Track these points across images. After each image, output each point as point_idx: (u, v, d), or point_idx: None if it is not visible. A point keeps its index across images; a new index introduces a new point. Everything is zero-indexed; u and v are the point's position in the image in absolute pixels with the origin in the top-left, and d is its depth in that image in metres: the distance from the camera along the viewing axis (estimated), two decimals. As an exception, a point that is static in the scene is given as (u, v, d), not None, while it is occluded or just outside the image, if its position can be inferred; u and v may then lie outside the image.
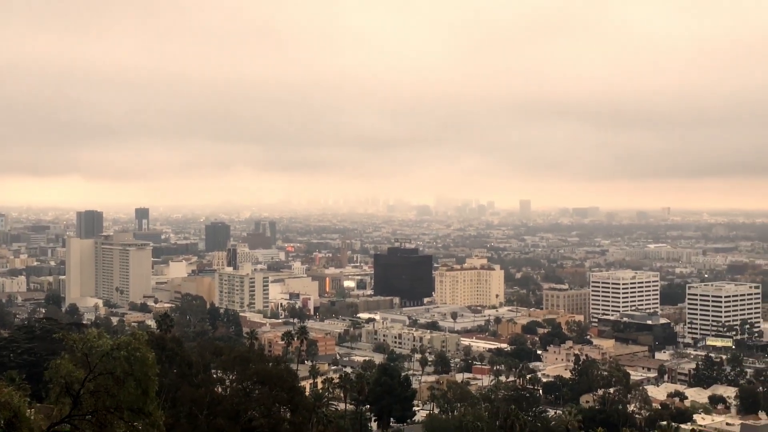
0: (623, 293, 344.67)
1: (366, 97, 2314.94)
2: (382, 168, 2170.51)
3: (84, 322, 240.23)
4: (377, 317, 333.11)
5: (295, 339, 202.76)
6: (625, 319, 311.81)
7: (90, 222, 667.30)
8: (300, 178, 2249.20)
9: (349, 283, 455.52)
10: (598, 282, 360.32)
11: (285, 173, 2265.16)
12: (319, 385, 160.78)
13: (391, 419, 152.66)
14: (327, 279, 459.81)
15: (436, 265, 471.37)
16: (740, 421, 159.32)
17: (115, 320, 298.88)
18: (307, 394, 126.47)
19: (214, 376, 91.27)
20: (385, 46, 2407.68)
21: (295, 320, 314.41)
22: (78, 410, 33.66)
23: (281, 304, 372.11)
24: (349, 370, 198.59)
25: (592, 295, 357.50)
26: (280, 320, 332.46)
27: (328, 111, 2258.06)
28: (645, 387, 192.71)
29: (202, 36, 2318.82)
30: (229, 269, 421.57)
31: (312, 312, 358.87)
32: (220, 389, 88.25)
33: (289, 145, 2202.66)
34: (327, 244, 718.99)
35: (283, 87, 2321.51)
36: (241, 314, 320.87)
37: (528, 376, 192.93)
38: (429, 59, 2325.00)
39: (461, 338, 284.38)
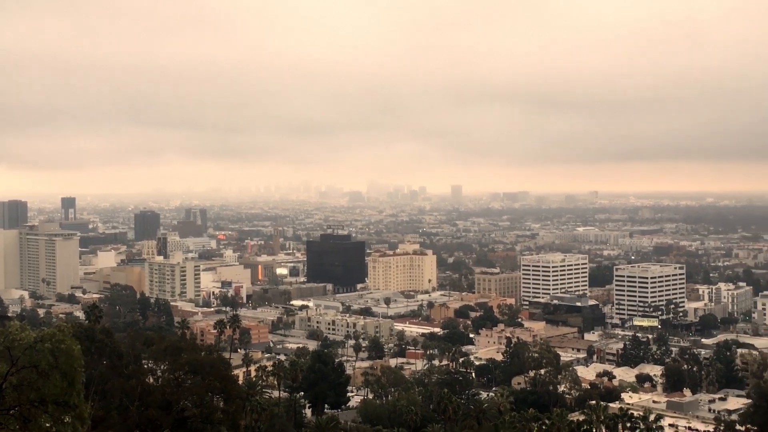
0: (553, 276, 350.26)
1: (299, 81, 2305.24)
2: (314, 154, 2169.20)
3: (9, 315, 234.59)
4: (310, 304, 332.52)
5: (228, 327, 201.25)
6: (555, 301, 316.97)
7: (14, 212, 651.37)
8: (231, 165, 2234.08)
9: (281, 271, 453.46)
10: (529, 265, 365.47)
11: (216, 160, 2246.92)
12: (253, 374, 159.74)
13: (326, 405, 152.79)
14: (259, 267, 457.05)
15: (368, 251, 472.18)
16: (666, 399, 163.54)
17: (42, 312, 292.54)
18: (240, 382, 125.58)
19: (146, 366, 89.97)
20: (319, 29, 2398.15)
21: (228, 309, 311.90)
22: (1, 405, 32.81)
23: (213, 292, 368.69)
24: (282, 357, 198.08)
25: (523, 278, 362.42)
26: (212, 309, 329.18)
27: (259, 95, 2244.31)
28: (575, 367, 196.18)
29: (130, 17, 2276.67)
30: (160, 258, 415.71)
31: (244, 300, 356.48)
32: (151, 380, 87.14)
33: (219, 131, 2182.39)
34: (259, 232, 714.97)
35: (214, 71, 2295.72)
36: (172, 303, 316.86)
37: (461, 360, 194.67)
38: (363, 42, 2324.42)
39: (394, 323, 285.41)
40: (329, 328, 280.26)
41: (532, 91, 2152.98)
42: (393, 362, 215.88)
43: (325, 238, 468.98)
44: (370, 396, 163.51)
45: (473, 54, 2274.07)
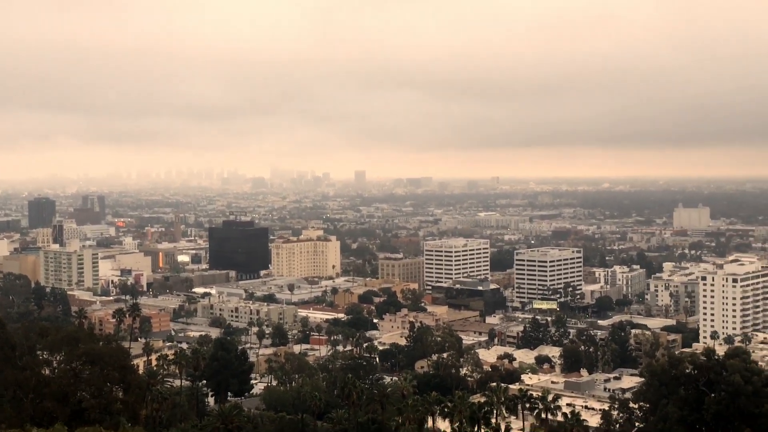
0: (455, 261, 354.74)
1: (199, 66, 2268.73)
2: (216, 139, 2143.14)
3: None
4: (213, 291, 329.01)
5: (127, 316, 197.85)
6: (457, 285, 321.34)
7: None
8: (130, 151, 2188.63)
9: (183, 258, 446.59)
10: (432, 250, 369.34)
11: (114, 145, 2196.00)
12: (154, 363, 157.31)
13: (229, 393, 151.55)
14: (160, 254, 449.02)
15: (272, 237, 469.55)
16: (564, 379, 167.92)
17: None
18: (140, 372, 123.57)
19: (41, 357, 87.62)
20: (222, 10, 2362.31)
21: (128, 297, 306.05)
22: None
23: (112, 281, 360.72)
24: (184, 345, 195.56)
25: (426, 263, 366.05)
26: (111, 298, 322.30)
27: (159, 79, 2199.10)
28: (476, 350, 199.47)
29: None
30: (55, 246, 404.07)
31: (145, 288, 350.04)
32: (47, 371, 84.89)
33: (117, 115, 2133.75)
34: (160, 219, 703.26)
35: (111, 52, 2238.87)
36: (69, 293, 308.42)
37: (365, 345, 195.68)
38: (268, 25, 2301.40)
39: (298, 310, 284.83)
40: (232, 316, 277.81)
41: (437, 77, 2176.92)
42: (297, 349, 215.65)
43: (228, 225, 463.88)
44: (274, 383, 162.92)
45: (380, 39, 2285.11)
